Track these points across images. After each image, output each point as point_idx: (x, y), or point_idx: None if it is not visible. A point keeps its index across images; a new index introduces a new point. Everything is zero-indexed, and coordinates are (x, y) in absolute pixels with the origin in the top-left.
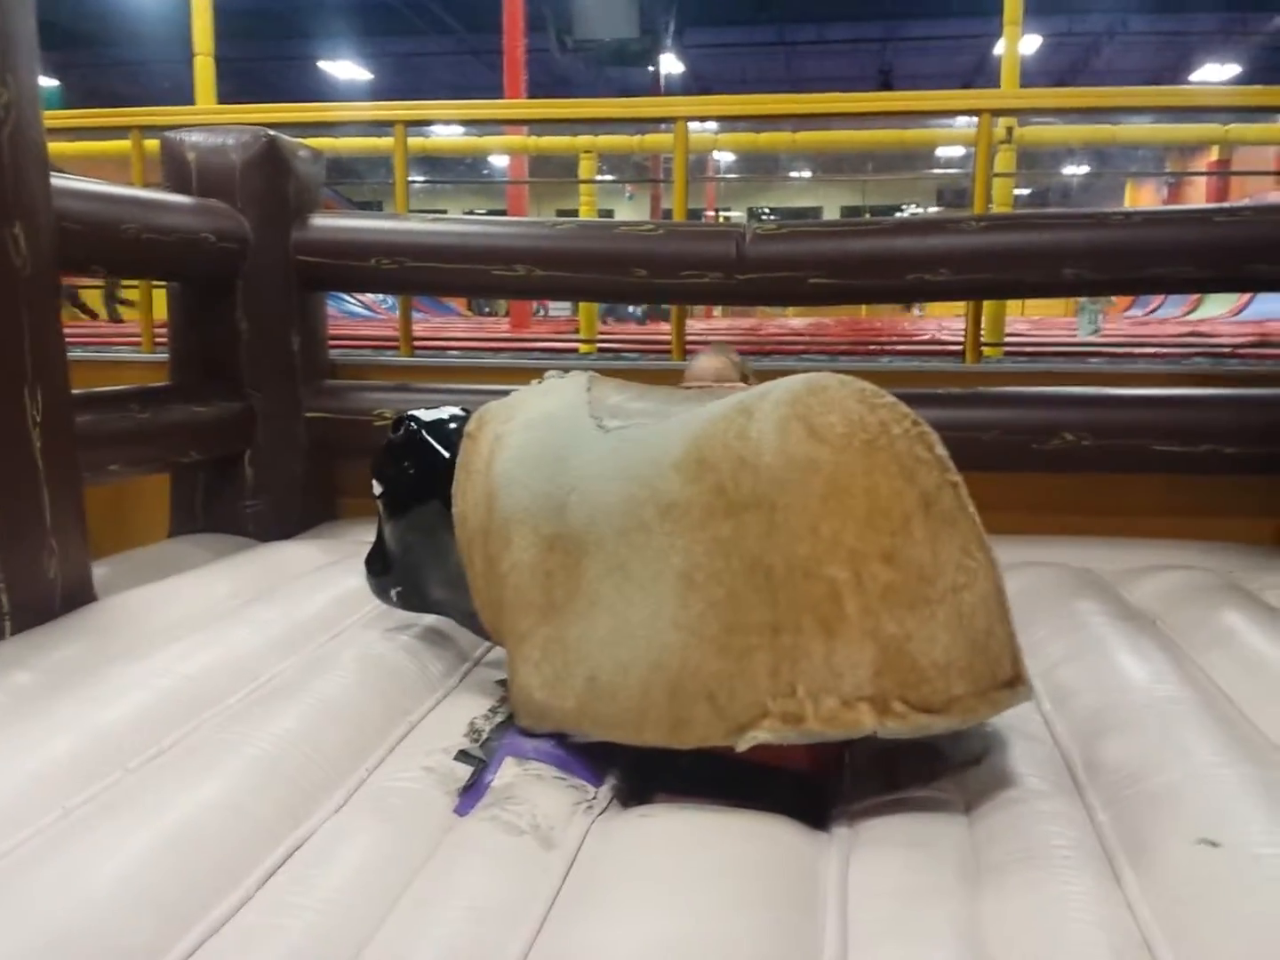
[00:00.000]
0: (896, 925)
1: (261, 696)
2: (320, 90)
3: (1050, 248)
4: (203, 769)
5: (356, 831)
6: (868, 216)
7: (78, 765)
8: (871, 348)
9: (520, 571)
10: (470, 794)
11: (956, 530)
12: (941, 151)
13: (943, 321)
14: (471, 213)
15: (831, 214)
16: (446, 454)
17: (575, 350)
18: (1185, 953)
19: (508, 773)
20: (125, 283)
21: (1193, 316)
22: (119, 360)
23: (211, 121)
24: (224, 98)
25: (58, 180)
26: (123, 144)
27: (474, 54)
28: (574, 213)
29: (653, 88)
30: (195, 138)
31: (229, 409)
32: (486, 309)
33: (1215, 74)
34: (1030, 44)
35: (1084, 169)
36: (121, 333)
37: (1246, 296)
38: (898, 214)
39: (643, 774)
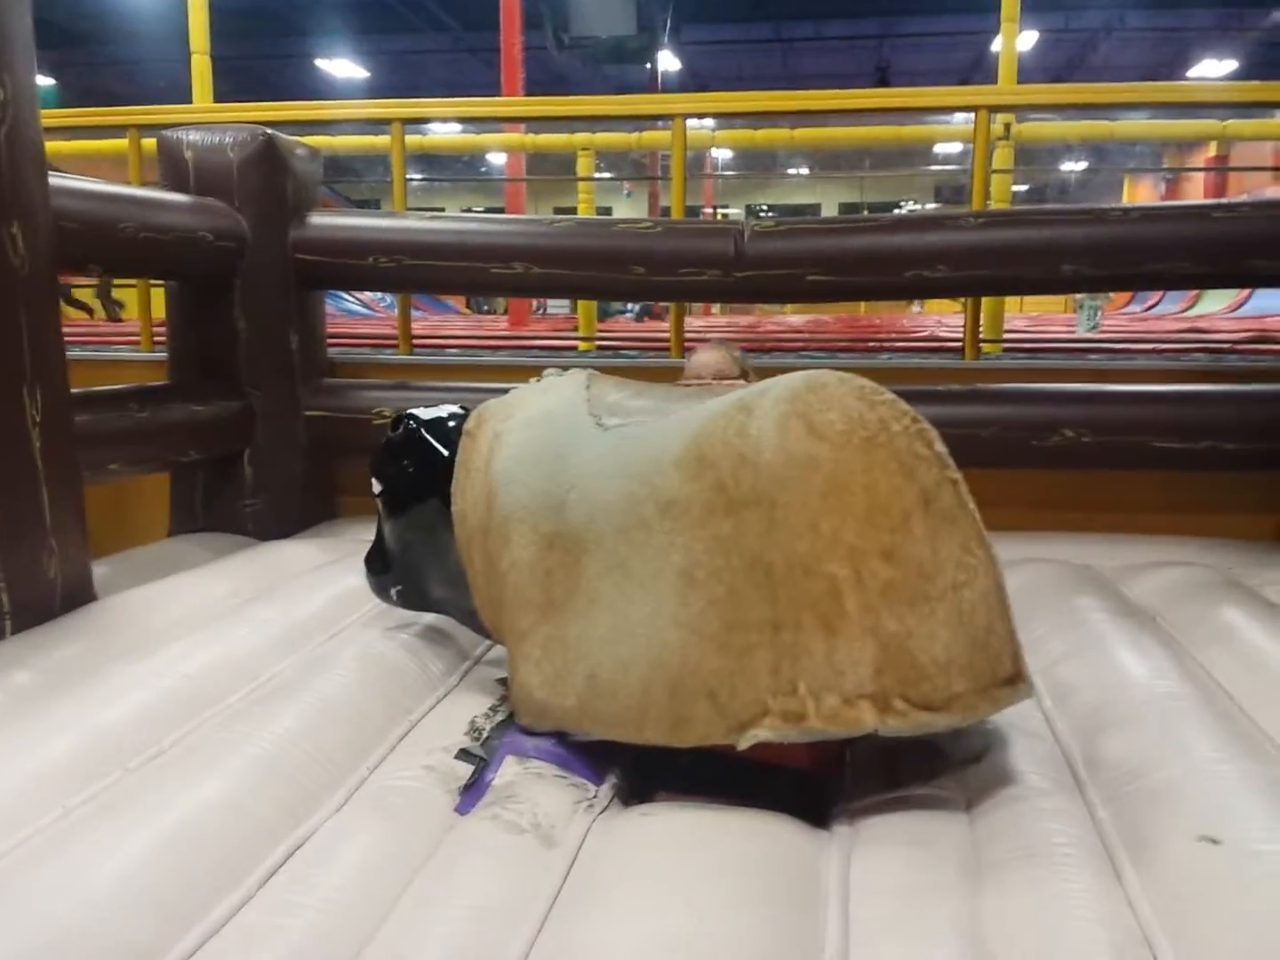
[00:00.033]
0: (898, 923)
1: (261, 696)
2: (317, 88)
3: (1049, 244)
4: (203, 768)
5: (357, 830)
6: (866, 213)
7: (78, 765)
8: (870, 345)
9: (520, 570)
10: (471, 793)
11: (956, 527)
12: (939, 148)
13: (942, 318)
14: (469, 210)
15: (830, 211)
16: (445, 452)
17: (574, 348)
18: (1185, 949)
19: (508, 771)
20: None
21: (1191, 312)
22: (118, 359)
23: (209, 120)
24: (221, 96)
25: (55, 179)
26: (120, 143)
27: (471, 51)
28: (572, 210)
29: (650, 85)
30: (193, 136)
31: (228, 408)
32: (485, 307)
33: (1213, 69)
34: (1027, 40)
35: (1082, 165)
36: (120, 332)
37: (1245, 292)
38: (896, 211)
39: (643, 772)
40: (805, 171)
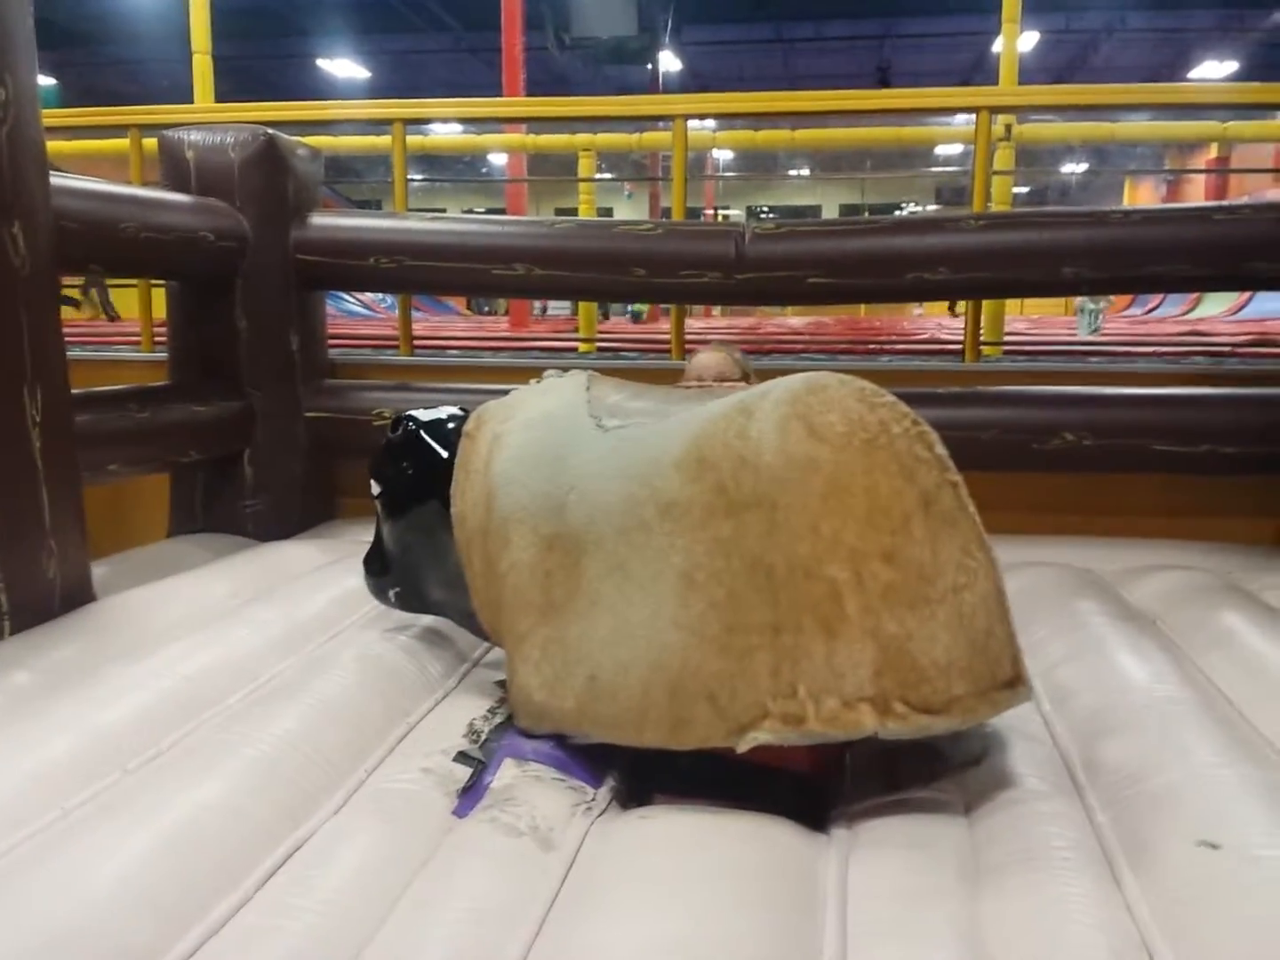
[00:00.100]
0: (896, 926)
1: (261, 697)
2: (318, 88)
3: (1049, 246)
4: (202, 770)
5: (356, 833)
6: (866, 215)
7: (77, 766)
8: (871, 347)
9: (519, 571)
10: (469, 795)
11: (956, 530)
12: (940, 149)
13: (942, 320)
14: (470, 211)
15: (830, 212)
16: (445, 454)
17: (574, 349)
18: (1185, 954)
19: (507, 774)
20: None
21: (1191, 315)
22: (118, 360)
23: (210, 120)
24: (222, 96)
25: (56, 179)
26: (121, 143)
27: (472, 52)
28: (573, 211)
29: (651, 85)
30: (194, 136)
31: (228, 408)
32: (486, 308)
33: (1214, 71)
34: (1028, 41)
35: (1083, 167)
36: (121, 332)
37: (1245, 295)
38: (896, 212)
39: (642, 775)
40: (806, 173)
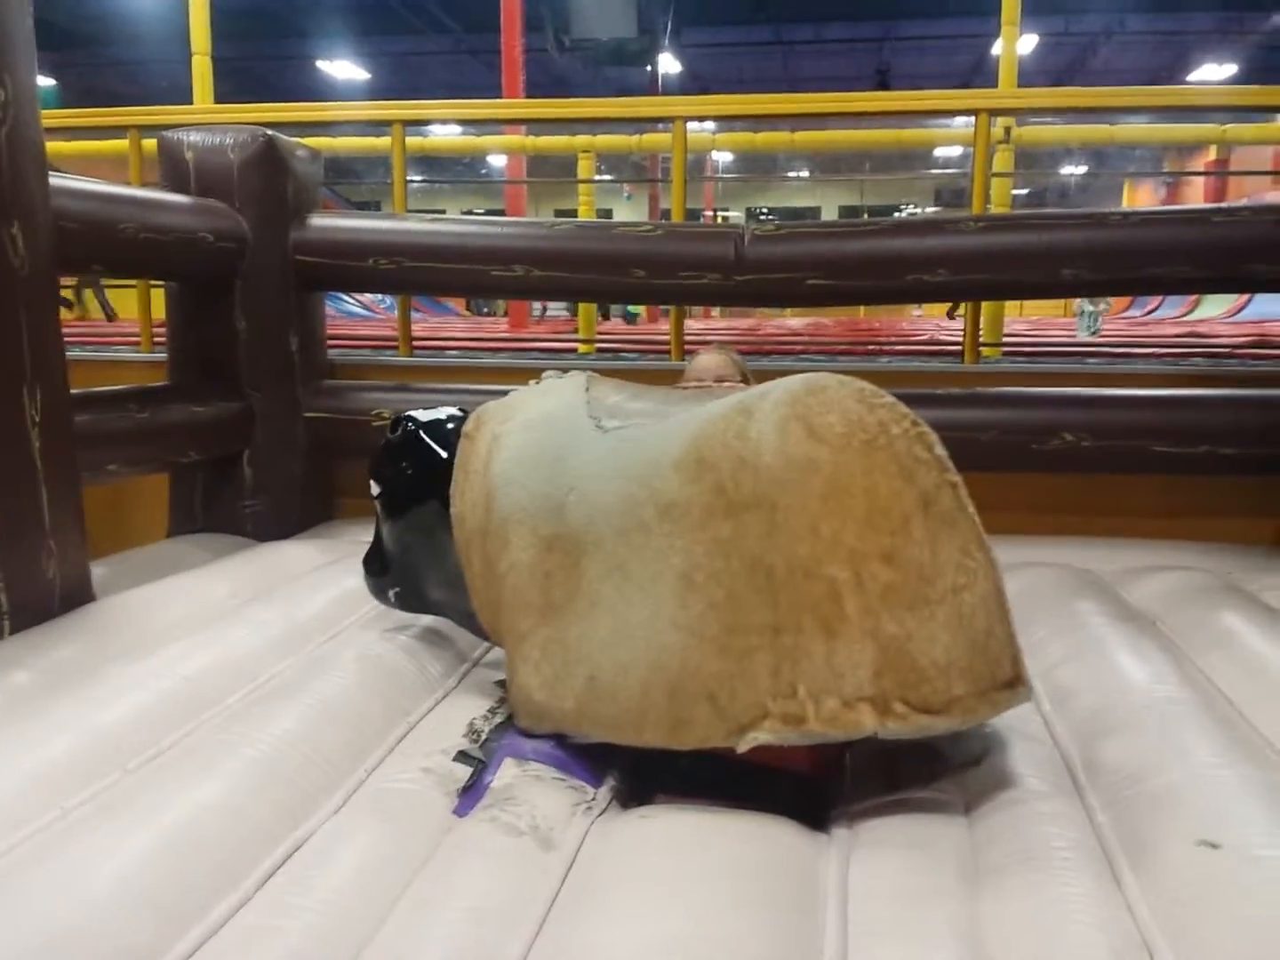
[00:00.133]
0: (896, 926)
1: (260, 697)
2: (318, 90)
3: (1048, 248)
4: (201, 770)
5: (355, 832)
6: (866, 217)
7: (76, 766)
8: (870, 348)
9: (519, 572)
10: (469, 795)
11: (956, 530)
12: (939, 151)
13: (941, 322)
14: (470, 213)
15: (830, 214)
16: (444, 454)
17: (574, 350)
18: (1185, 954)
19: (507, 774)
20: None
21: (1191, 317)
22: (117, 360)
23: (209, 121)
24: (221, 97)
25: (55, 180)
26: (120, 143)
27: (472, 53)
28: (572, 213)
29: (650, 87)
30: (193, 137)
31: (227, 409)
32: (485, 309)
33: (1213, 74)
34: (1028, 43)
35: (1082, 169)
36: (120, 332)
37: (1244, 297)
38: (896, 214)
39: (642, 775)
40: (805, 174)
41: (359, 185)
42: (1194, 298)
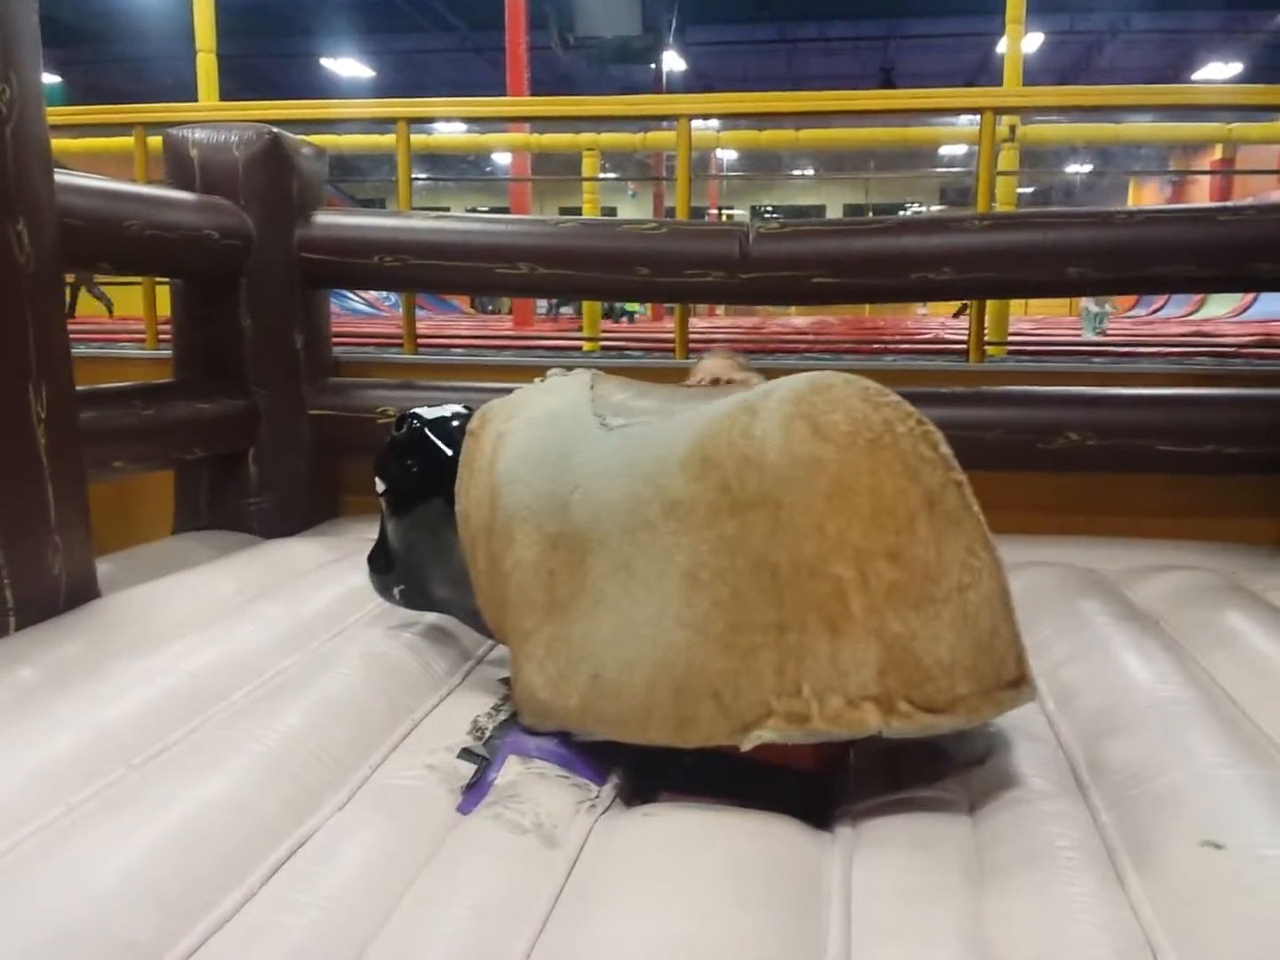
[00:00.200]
0: (900, 925)
1: (265, 693)
2: (323, 87)
3: (1054, 247)
4: (207, 766)
5: (360, 829)
6: (871, 215)
7: (82, 762)
8: (875, 346)
9: (523, 570)
10: (473, 792)
11: (961, 529)
12: (944, 150)
13: (945, 320)
14: (474, 210)
15: (834, 212)
16: (449, 452)
17: (579, 348)
18: (1188, 954)
19: (511, 771)
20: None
21: (1196, 316)
22: (123, 357)
23: (214, 118)
24: (226, 94)
25: (61, 177)
26: (125, 141)
27: (476, 51)
28: (577, 211)
29: (655, 85)
30: (198, 134)
31: (233, 406)
32: (489, 307)
33: (1218, 72)
34: (1033, 42)
35: (1087, 168)
36: (125, 329)
37: (1250, 296)
38: (901, 213)
39: (646, 773)
40: (810, 173)
41: (364, 183)
42: (1199, 297)
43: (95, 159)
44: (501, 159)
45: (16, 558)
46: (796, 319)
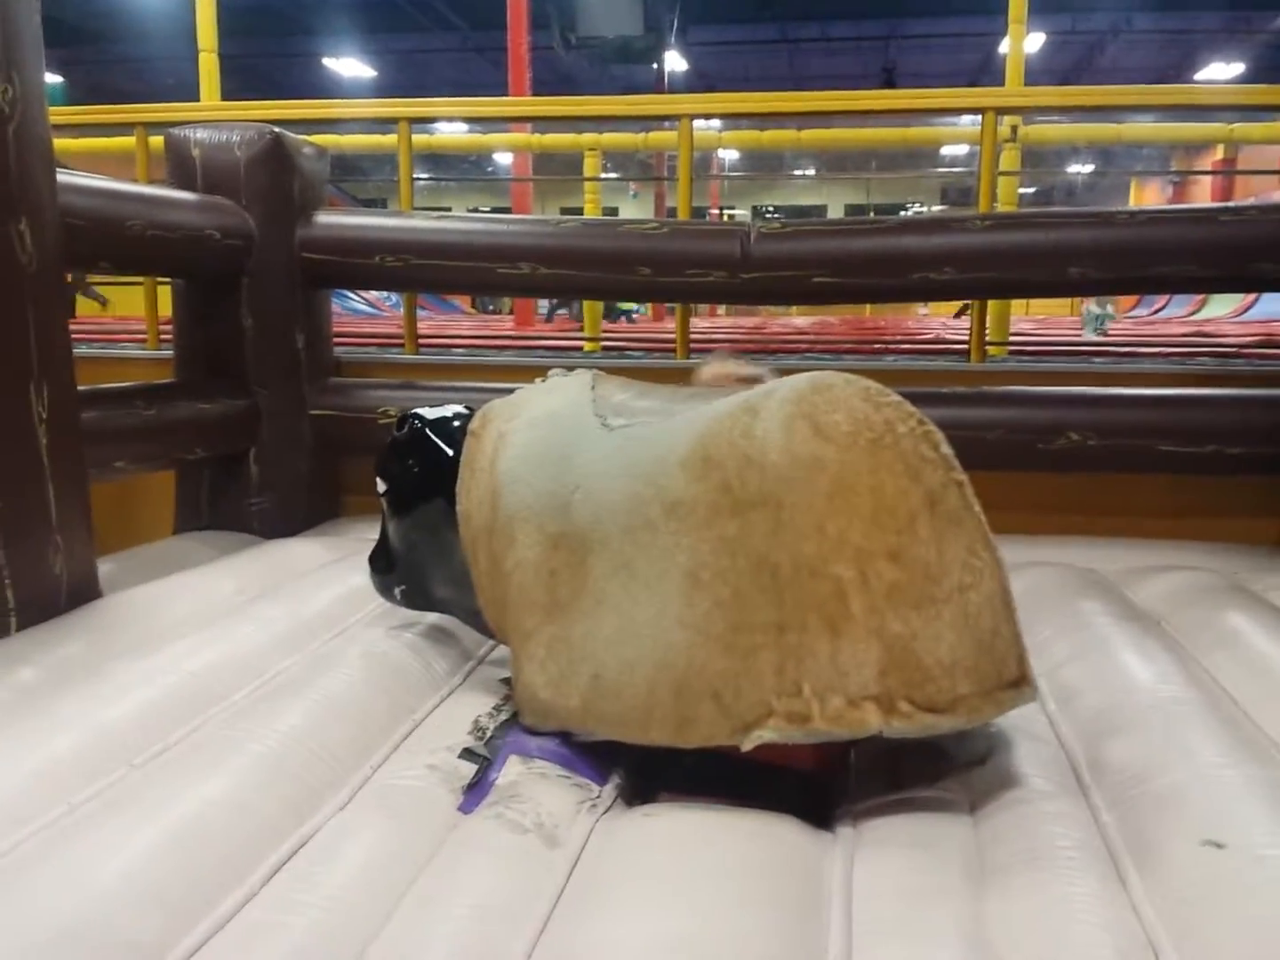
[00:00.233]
0: (901, 925)
1: (266, 693)
2: (324, 87)
3: (1055, 247)
4: (208, 766)
5: (361, 829)
6: (872, 215)
7: (82, 762)
8: (876, 346)
9: (524, 570)
10: (474, 792)
11: (962, 529)
12: (946, 150)
13: (947, 321)
14: (476, 210)
15: (836, 212)
16: (451, 452)
17: (580, 348)
18: (1190, 954)
19: (512, 771)
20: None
21: (1198, 316)
22: (124, 357)
23: (216, 118)
24: (228, 94)
25: (63, 176)
26: (127, 140)
27: (478, 51)
28: (578, 211)
29: (656, 85)
30: (200, 134)
31: (234, 406)
32: (491, 307)
33: (1220, 73)
34: (1035, 42)
35: (1089, 168)
36: (127, 329)
37: (1251, 296)
38: (902, 213)
39: (647, 773)
40: (811, 173)
41: (365, 182)
42: (1201, 297)
43: (97, 159)
44: (503, 159)
45: (17, 558)
46: (798, 319)
